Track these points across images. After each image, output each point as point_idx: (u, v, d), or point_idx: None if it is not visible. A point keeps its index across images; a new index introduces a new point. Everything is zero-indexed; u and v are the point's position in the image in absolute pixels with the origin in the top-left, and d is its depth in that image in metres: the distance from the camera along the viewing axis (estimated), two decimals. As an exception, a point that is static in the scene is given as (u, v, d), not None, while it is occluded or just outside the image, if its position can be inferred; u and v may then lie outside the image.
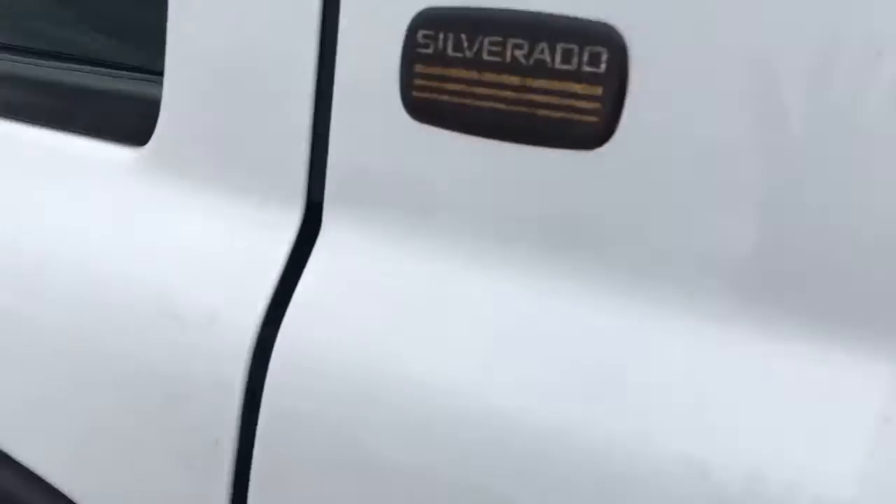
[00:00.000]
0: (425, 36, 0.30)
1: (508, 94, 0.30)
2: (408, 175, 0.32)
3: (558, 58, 0.29)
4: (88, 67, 0.51)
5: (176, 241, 0.38)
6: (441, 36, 0.29)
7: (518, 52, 0.29)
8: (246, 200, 0.35)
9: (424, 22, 0.30)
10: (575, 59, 0.29)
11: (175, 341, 0.35)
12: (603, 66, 0.30)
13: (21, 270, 0.45)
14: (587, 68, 0.29)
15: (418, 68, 0.30)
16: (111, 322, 0.39)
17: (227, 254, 0.36)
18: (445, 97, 0.31)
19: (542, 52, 0.29)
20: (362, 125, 0.33)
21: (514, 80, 0.30)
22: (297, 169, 0.34)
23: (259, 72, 0.35)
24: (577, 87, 0.30)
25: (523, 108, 0.30)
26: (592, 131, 0.30)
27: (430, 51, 0.30)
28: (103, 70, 0.50)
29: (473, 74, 0.30)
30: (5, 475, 0.42)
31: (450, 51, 0.30)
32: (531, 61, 0.29)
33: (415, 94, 0.31)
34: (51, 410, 0.41)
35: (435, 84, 0.30)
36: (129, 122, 0.44)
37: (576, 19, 0.30)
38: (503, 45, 0.29)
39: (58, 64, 0.54)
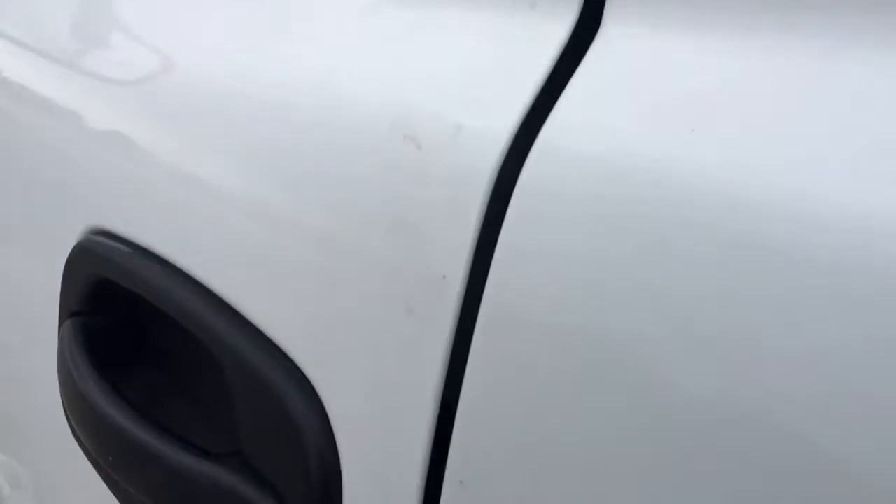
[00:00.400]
0: None
1: None
2: None
3: None
4: None
5: (426, 57, 0.34)
6: None
7: None
8: (508, 8, 0.32)
9: None
10: None
11: (408, 164, 0.31)
12: None
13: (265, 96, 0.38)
14: None
15: None
16: (337, 144, 0.34)
17: (480, 65, 0.32)
18: None
19: None
20: None
21: None
22: None
23: None
24: None
25: None
26: None
27: None
28: None
29: None
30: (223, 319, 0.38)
31: None
32: None
33: None
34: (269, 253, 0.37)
35: None
36: None
37: None
38: None
39: None
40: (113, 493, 0.45)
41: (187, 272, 0.39)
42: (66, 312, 0.46)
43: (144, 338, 0.46)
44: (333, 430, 0.33)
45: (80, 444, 0.45)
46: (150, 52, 0.47)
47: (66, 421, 0.46)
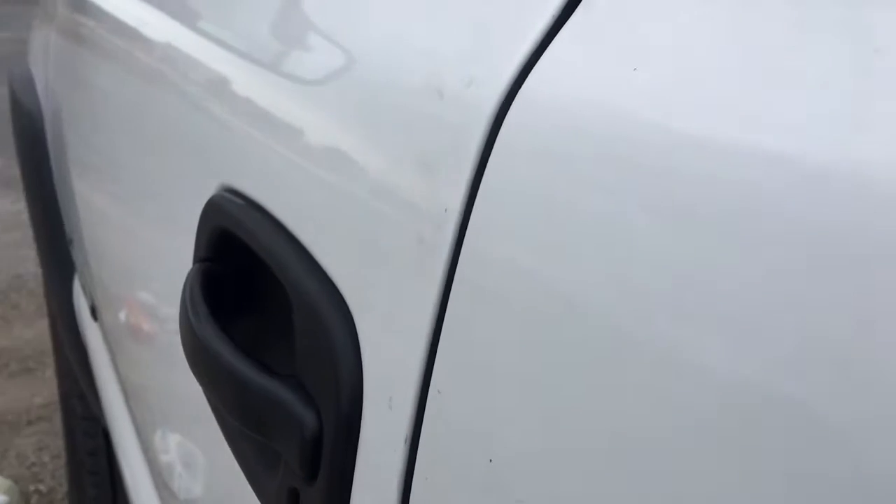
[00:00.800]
0: None
1: None
2: None
3: None
4: None
5: (447, 16, 0.37)
6: None
7: None
8: None
9: None
10: None
11: (432, 112, 0.35)
12: None
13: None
14: None
15: None
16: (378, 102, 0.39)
17: (493, 18, 0.34)
18: None
19: None
20: None
21: None
22: None
23: None
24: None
25: None
26: None
27: None
28: None
29: None
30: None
31: None
32: None
33: None
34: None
35: None
36: None
37: None
38: None
39: None
40: (215, 416, 0.51)
41: (282, 222, 0.45)
42: (196, 259, 0.54)
43: (254, 284, 0.52)
44: (361, 354, 0.36)
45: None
46: (311, 40, 0.53)
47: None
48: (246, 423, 0.44)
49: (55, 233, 1.43)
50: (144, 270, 0.84)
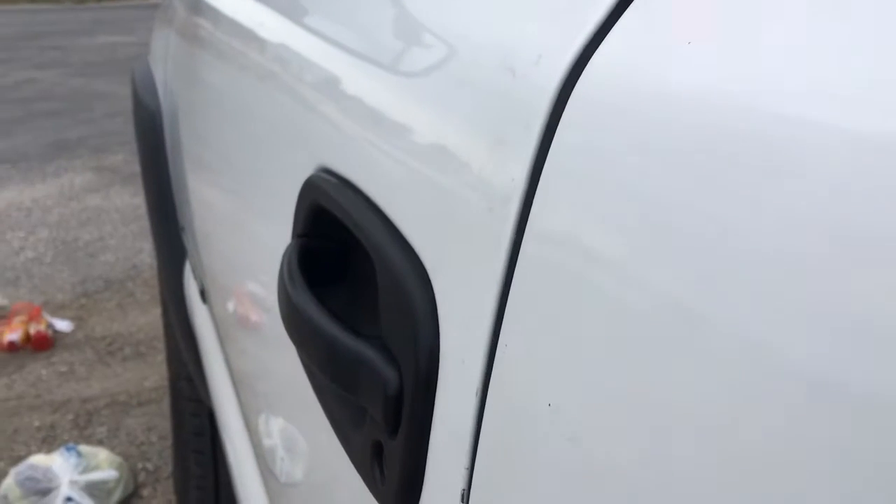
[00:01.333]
0: None
1: None
2: None
3: None
4: None
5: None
6: None
7: None
8: None
9: None
10: None
11: (504, 90, 0.37)
12: None
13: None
14: None
15: None
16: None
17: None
18: None
19: None
20: None
21: None
22: None
23: None
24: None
25: None
26: None
27: None
28: None
29: None
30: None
31: None
32: None
33: None
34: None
35: None
36: None
37: None
38: None
39: None
40: (309, 380, 0.55)
41: (369, 197, 0.48)
42: (294, 235, 0.57)
43: (346, 258, 0.55)
44: (438, 316, 0.39)
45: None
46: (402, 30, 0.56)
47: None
48: (335, 379, 0.48)
49: (168, 220, 1.51)
50: (249, 256, 0.89)
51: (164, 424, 2.29)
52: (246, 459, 1.06)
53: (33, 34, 7.97)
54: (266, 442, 0.89)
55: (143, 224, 3.55)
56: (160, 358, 2.60)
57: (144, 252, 3.44)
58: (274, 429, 0.85)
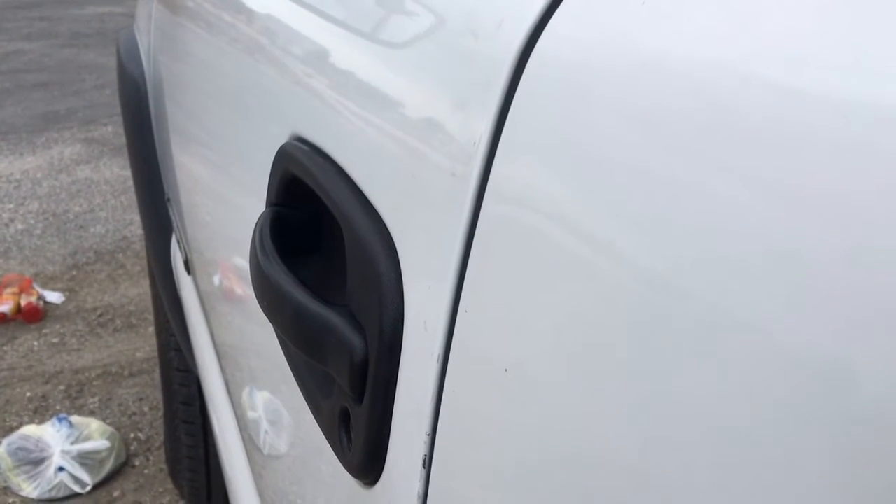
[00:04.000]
0: None
1: None
2: None
3: None
4: None
5: None
6: None
7: None
8: None
9: None
10: None
11: (468, 53, 0.37)
12: None
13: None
14: None
15: None
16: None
17: None
18: None
19: None
20: None
21: None
22: None
23: None
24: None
25: None
26: None
27: None
28: None
29: None
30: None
31: None
32: None
33: None
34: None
35: None
36: None
37: None
38: None
39: None
40: (283, 351, 0.55)
41: (339, 164, 0.48)
42: (268, 204, 0.57)
43: (317, 227, 0.55)
44: (403, 282, 0.39)
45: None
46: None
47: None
48: (304, 348, 0.48)
49: (154, 191, 1.51)
50: (230, 227, 0.88)
51: (156, 395, 2.30)
52: (231, 432, 1.07)
53: (21, 4, 7.88)
54: (250, 414, 0.90)
55: (132, 196, 3.53)
56: (151, 329, 2.60)
57: (135, 224, 3.43)
58: (257, 402, 0.85)
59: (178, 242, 1.39)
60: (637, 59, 0.28)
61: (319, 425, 0.49)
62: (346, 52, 0.50)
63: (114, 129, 4.53)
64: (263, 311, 0.53)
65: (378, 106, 0.44)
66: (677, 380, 0.24)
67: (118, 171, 4.04)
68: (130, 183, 3.56)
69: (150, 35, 1.55)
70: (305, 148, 0.52)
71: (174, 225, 1.45)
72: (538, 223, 0.30)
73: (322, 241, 0.56)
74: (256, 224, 0.55)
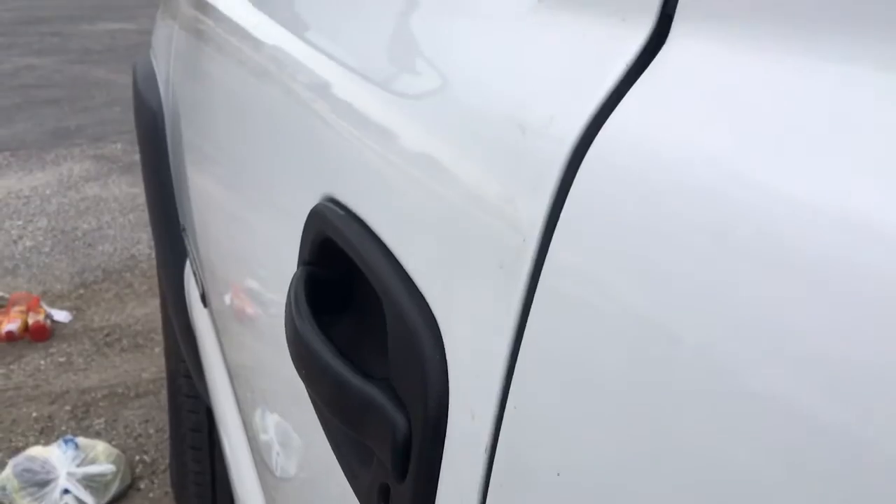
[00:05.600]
0: None
1: None
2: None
3: None
4: None
5: (537, 58, 0.40)
6: None
7: None
8: (607, 20, 0.36)
9: None
10: None
11: (514, 148, 0.37)
12: None
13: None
14: None
15: None
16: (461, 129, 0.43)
17: (574, 65, 0.37)
18: None
19: None
20: None
21: None
22: None
23: None
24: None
25: None
26: None
27: None
28: None
29: None
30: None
31: None
32: None
33: None
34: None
35: None
36: None
37: None
38: None
39: None
40: (317, 414, 0.55)
41: (372, 228, 0.48)
42: (301, 262, 0.58)
43: (354, 289, 0.56)
44: (447, 367, 0.39)
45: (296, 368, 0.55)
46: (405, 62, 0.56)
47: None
48: (341, 419, 0.48)
49: (169, 220, 1.52)
50: (249, 262, 0.89)
51: (162, 417, 2.30)
52: (243, 454, 1.07)
53: (34, 19, 7.93)
54: (262, 437, 0.90)
55: (141, 214, 3.55)
56: (158, 350, 2.61)
57: (142, 242, 3.44)
58: (270, 424, 0.85)
59: (195, 274, 1.39)
60: (691, 172, 0.29)
61: (355, 492, 0.49)
62: (389, 119, 0.50)
63: (123, 147, 4.56)
64: (299, 374, 0.53)
65: (424, 183, 0.45)
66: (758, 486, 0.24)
67: (126, 189, 4.05)
68: (139, 201, 3.57)
69: (168, 64, 1.55)
70: (341, 212, 0.53)
71: (189, 255, 1.46)
72: (586, 328, 0.31)
73: (356, 300, 0.56)
74: (291, 283, 0.56)
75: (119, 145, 4.64)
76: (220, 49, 1.10)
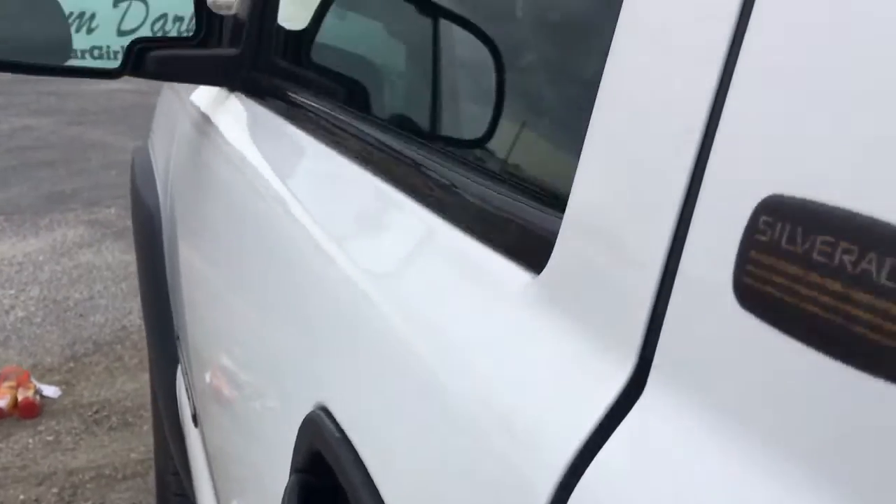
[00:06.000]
0: (765, 222, 0.29)
1: (827, 300, 0.27)
2: (730, 363, 0.31)
3: (885, 273, 0.25)
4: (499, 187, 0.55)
5: (527, 369, 0.43)
6: (779, 225, 0.29)
7: (846, 258, 0.27)
8: (592, 346, 0.38)
9: (767, 208, 0.29)
10: None
11: (498, 452, 0.40)
12: None
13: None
14: None
15: (752, 254, 0.30)
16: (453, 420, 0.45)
17: (562, 390, 0.40)
18: (770, 289, 0.29)
19: (870, 262, 0.26)
20: (696, 297, 0.33)
21: (837, 286, 0.27)
22: (637, 326, 0.35)
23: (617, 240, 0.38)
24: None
25: (839, 320, 0.27)
26: None
27: (766, 238, 0.30)
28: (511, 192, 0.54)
29: (800, 272, 0.28)
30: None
31: (784, 242, 0.29)
32: (857, 270, 0.26)
33: (745, 280, 0.30)
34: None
35: (764, 274, 0.29)
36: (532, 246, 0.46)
37: None
38: (834, 246, 0.27)
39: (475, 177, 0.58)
40: None
41: (360, 455, 0.52)
42: (293, 468, 0.61)
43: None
44: None
45: None
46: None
47: None
48: None
49: (164, 325, 1.54)
50: (240, 377, 0.91)
51: (149, 501, 2.30)
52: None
53: (31, 77, 8.02)
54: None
55: (133, 283, 3.56)
56: (146, 427, 2.61)
57: (133, 313, 3.46)
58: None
59: (186, 390, 1.42)
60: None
61: None
62: (386, 346, 0.54)
63: (117, 212, 4.59)
64: None
65: (412, 429, 0.48)
66: None
67: (119, 256, 4.08)
68: (131, 269, 3.59)
69: (168, 162, 1.57)
70: (334, 431, 0.56)
71: (181, 364, 1.48)
72: None
73: None
74: (285, 491, 0.59)
75: (113, 210, 4.68)
76: (218, 178, 1.14)
